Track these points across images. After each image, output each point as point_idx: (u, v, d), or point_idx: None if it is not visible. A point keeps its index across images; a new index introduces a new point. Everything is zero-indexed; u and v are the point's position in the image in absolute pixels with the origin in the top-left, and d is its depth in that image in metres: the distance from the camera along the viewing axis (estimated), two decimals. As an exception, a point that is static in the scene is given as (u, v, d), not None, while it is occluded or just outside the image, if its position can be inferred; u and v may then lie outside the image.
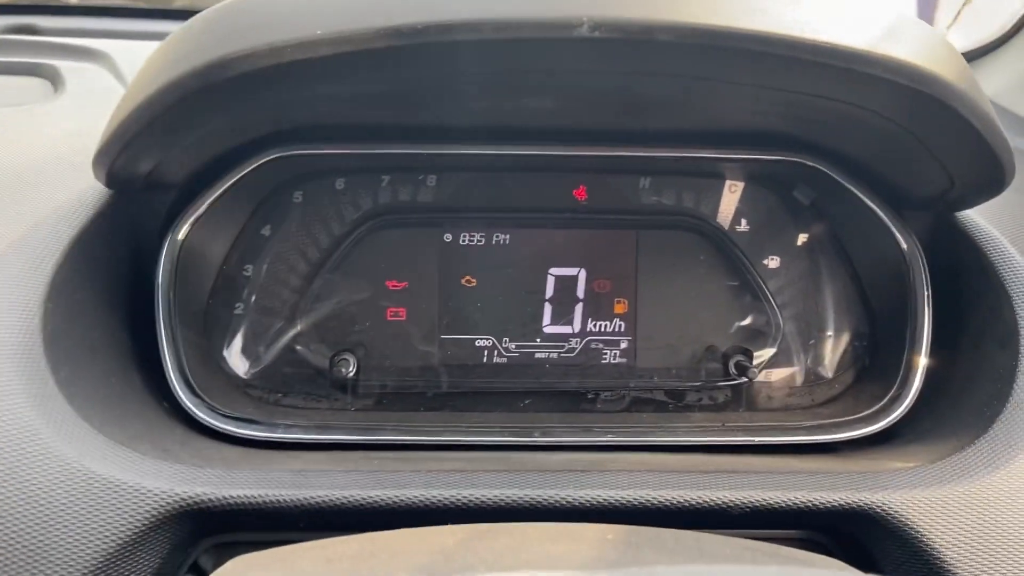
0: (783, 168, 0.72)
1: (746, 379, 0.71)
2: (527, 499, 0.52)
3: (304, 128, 0.67)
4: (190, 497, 0.50)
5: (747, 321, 0.75)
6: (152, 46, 0.99)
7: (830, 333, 0.75)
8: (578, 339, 0.77)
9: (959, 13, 1.10)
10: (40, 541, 0.47)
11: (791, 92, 0.56)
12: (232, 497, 0.51)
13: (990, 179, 0.59)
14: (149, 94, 0.50)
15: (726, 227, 0.77)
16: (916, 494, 0.53)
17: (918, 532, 0.52)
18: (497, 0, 0.47)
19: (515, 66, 0.54)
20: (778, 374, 0.75)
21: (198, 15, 0.52)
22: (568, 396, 0.74)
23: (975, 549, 0.51)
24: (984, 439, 0.56)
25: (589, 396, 0.74)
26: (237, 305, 0.73)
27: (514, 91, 0.60)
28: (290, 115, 0.63)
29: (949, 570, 0.51)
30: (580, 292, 0.77)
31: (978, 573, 0.51)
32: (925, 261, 0.67)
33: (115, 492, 0.48)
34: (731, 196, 0.77)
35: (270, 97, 0.56)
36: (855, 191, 0.69)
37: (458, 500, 0.52)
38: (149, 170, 0.60)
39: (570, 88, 0.59)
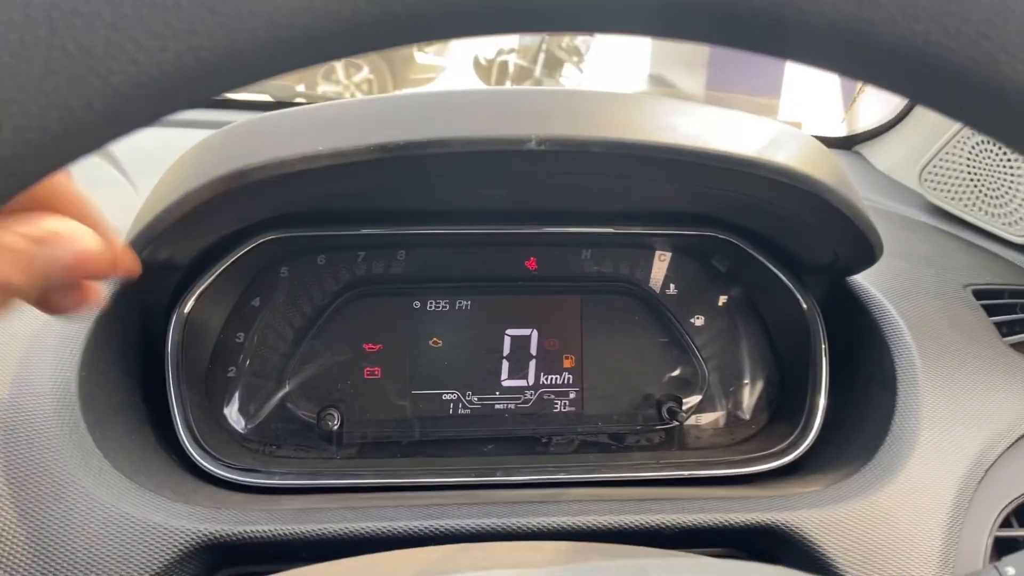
0: (702, 241, 0.85)
1: (676, 423, 0.83)
2: (493, 526, 0.63)
3: (294, 215, 0.78)
4: (211, 533, 0.59)
5: (676, 372, 0.87)
6: (142, 136, 1.10)
7: (747, 381, 0.87)
8: (532, 391, 0.88)
9: (855, 99, 1.27)
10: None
11: (700, 187, 0.69)
12: (246, 533, 0.60)
13: (863, 254, 0.72)
14: (177, 199, 0.61)
15: (657, 291, 0.89)
16: (812, 512, 0.65)
17: (814, 543, 0.64)
18: (463, 121, 0.60)
19: (476, 169, 0.66)
20: (704, 417, 0.86)
21: (217, 132, 0.64)
22: (525, 441, 0.85)
23: (859, 554, 0.63)
24: (868, 466, 0.69)
25: (543, 440, 0.85)
26: (230, 369, 0.82)
27: (474, 186, 0.73)
28: (285, 206, 0.74)
29: (840, 572, 0.63)
30: (533, 350, 0.88)
31: (861, 573, 0.63)
32: (822, 319, 0.80)
33: (150, 531, 0.58)
34: (661, 264, 0.89)
35: (274, 195, 0.67)
36: (762, 260, 0.82)
37: (436, 529, 0.62)
38: (165, 257, 0.70)
39: (521, 183, 0.72)
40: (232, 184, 0.59)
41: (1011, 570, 0.49)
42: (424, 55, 6.97)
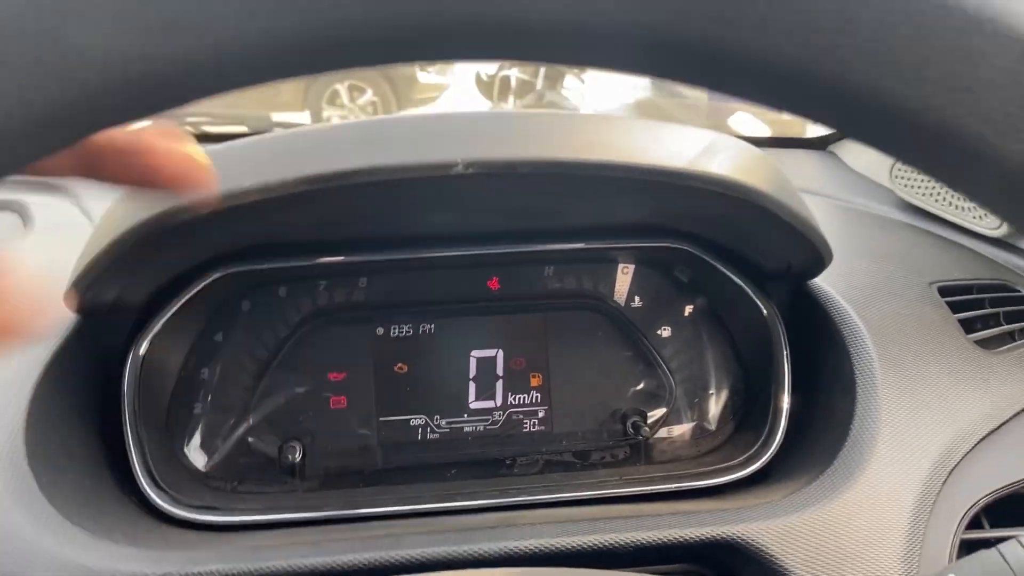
0: (663, 253, 0.84)
1: (641, 437, 0.82)
2: (445, 554, 0.62)
3: (248, 248, 0.78)
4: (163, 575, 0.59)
5: (642, 386, 0.86)
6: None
7: (712, 391, 0.86)
8: (500, 412, 0.87)
9: None
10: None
11: (644, 200, 0.69)
12: (194, 573, 0.60)
13: (813, 260, 0.72)
14: (111, 240, 0.61)
15: (622, 304, 0.88)
16: (768, 524, 0.64)
17: (771, 555, 0.63)
18: (392, 149, 0.60)
19: (413, 195, 0.66)
20: (670, 430, 0.85)
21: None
22: (490, 464, 0.84)
23: (819, 565, 0.62)
24: (826, 473, 0.67)
25: (507, 462, 0.84)
26: (196, 405, 0.82)
27: (419, 211, 0.72)
28: (232, 242, 0.74)
29: (799, 586, 0.62)
30: (499, 370, 0.87)
31: (819, 585, 0.61)
32: (783, 325, 0.79)
33: (95, 576, 0.58)
34: (624, 277, 0.88)
35: (214, 232, 0.67)
36: (721, 268, 0.81)
37: (386, 560, 0.62)
38: (113, 298, 0.70)
39: (464, 206, 0.72)
40: (157, 227, 0.59)
41: (952, 576, 0.48)
42: (427, 75, 7.00)
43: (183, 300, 0.77)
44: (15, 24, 0.24)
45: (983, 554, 0.50)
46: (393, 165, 0.58)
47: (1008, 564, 0.48)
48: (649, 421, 0.84)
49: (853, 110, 0.25)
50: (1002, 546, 0.50)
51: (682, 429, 0.86)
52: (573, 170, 0.59)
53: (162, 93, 0.27)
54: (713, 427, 0.85)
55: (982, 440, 0.70)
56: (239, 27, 0.25)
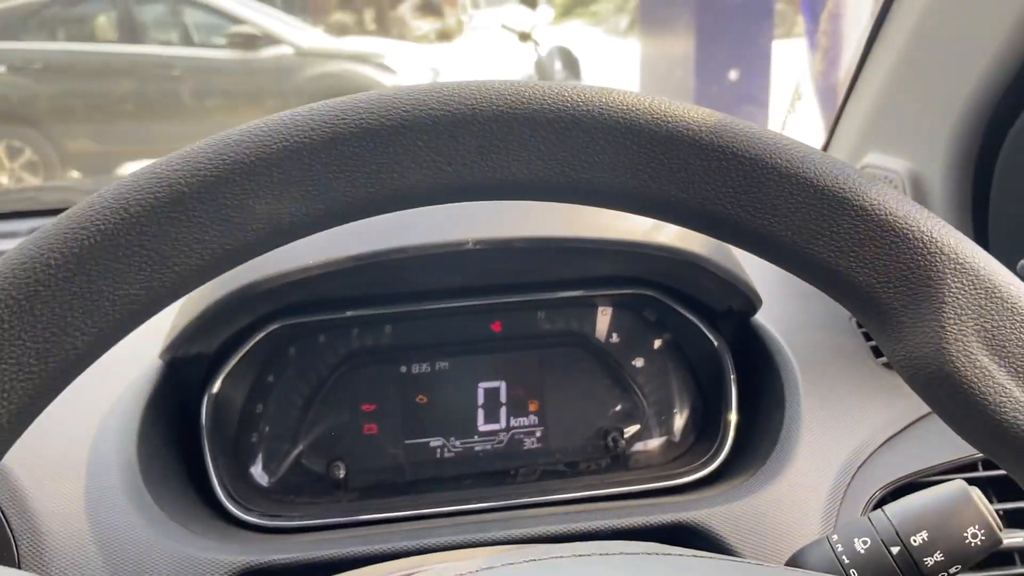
0: (633, 298, 1.04)
1: (619, 449, 1.01)
2: (463, 541, 0.81)
3: (298, 304, 0.97)
4: (249, 562, 0.78)
5: (620, 407, 1.05)
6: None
7: (676, 410, 1.05)
8: (505, 433, 1.05)
9: (783, 125, 1.45)
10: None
11: (614, 260, 0.89)
12: (275, 560, 0.78)
13: (748, 305, 0.91)
14: (202, 309, 0.80)
15: (603, 341, 1.07)
16: (714, 510, 0.82)
17: (717, 533, 0.81)
18: (415, 230, 0.79)
19: (433, 263, 0.85)
20: (642, 443, 1.04)
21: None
22: (497, 474, 1.02)
23: (751, 539, 0.81)
24: (761, 471, 0.86)
25: (511, 473, 1.03)
26: (253, 435, 1.01)
27: (437, 274, 0.92)
28: (291, 299, 0.94)
29: (737, 554, 0.80)
30: (503, 398, 1.06)
31: (755, 555, 0.80)
32: (730, 354, 0.98)
33: (205, 564, 0.76)
34: (603, 319, 1.07)
35: (279, 294, 0.87)
36: (680, 310, 1.01)
37: (419, 547, 0.80)
38: (197, 352, 0.89)
39: (472, 269, 0.91)
40: (242, 296, 0.79)
41: (835, 536, 0.66)
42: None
43: (246, 348, 0.96)
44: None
45: (858, 520, 0.68)
46: (419, 244, 0.78)
47: (872, 526, 0.66)
48: (626, 436, 1.03)
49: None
50: (871, 514, 0.68)
51: (653, 442, 1.04)
52: (554, 244, 0.79)
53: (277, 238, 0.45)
54: (677, 439, 1.04)
55: (884, 443, 0.89)
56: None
